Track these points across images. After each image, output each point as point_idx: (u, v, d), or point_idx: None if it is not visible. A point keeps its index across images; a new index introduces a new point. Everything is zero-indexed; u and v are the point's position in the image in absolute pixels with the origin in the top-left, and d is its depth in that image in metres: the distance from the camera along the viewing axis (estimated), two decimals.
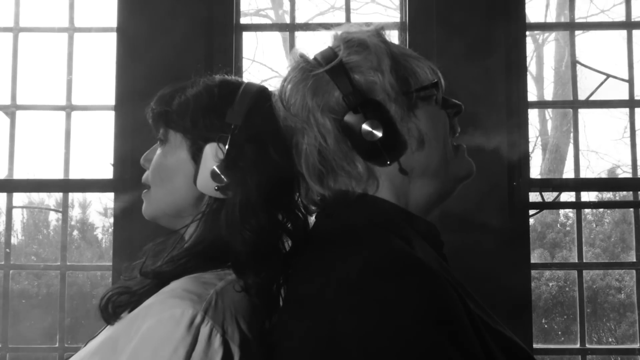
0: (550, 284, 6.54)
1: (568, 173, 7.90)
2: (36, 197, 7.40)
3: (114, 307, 0.86)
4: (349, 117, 0.82)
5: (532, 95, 8.09)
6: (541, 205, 2.20)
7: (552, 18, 8.35)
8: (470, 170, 0.90)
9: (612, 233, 7.12)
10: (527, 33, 1.96)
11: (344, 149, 0.83)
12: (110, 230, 6.17)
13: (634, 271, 2.05)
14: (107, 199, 7.25)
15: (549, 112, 8.23)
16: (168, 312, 0.77)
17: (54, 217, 7.41)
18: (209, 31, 1.91)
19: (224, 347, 0.77)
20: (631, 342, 5.59)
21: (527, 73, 2.28)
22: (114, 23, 1.96)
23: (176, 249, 0.92)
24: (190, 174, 0.90)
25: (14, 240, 6.75)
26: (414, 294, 0.66)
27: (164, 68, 1.81)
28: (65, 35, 2.08)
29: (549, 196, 2.20)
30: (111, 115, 1.93)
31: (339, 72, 0.83)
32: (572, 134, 4.26)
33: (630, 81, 2.10)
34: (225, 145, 0.87)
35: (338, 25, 0.93)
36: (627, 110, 2.07)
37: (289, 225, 0.90)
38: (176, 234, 0.94)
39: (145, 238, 0.94)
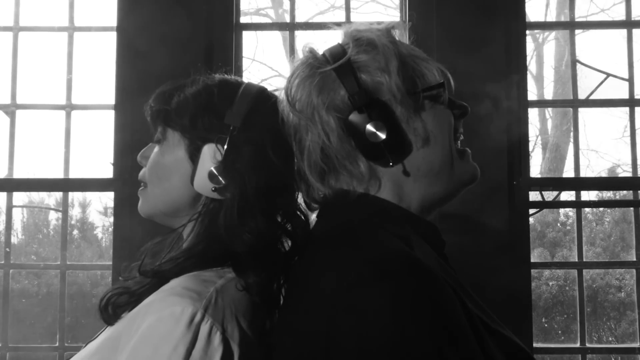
0: (551, 283, 6.54)
1: (568, 172, 7.90)
2: (36, 196, 7.42)
3: (114, 308, 0.86)
4: (353, 117, 0.81)
5: (532, 94, 8.08)
6: (541, 205, 2.21)
7: (552, 17, 8.37)
8: (475, 174, 0.90)
9: (612, 232, 7.12)
10: (527, 32, 1.96)
11: (347, 148, 0.83)
12: (110, 229, 6.16)
13: (634, 270, 2.05)
14: (107, 198, 7.26)
15: (549, 111, 8.24)
16: (168, 310, 0.76)
17: (54, 217, 7.42)
18: (208, 30, 1.91)
19: (223, 345, 0.77)
20: (631, 341, 5.59)
21: (527, 72, 2.28)
22: (113, 22, 1.96)
23: (175, 248, 0.92)
24: (187, 173, 0.90)
25: (14, 240, 6.75)
26: (411, 294, 0.66)
27: (164, 67, 1.80)
28: (65, 34, 2.08)
29: (549, 195, 2.20)
30: (111, 114, 1.93)
31: (346, 71, 0.83)
32: (572, 133, 4.25)
33: (630, 80, 2.09)
34: (223, 147, 0.87)
35: (338, 24, 0.92)
36: (627, 109, 2.07)
37: (289, 226, 0.90)
38: (174, 233, 0.94)
39: (145, 237, 0.94)
